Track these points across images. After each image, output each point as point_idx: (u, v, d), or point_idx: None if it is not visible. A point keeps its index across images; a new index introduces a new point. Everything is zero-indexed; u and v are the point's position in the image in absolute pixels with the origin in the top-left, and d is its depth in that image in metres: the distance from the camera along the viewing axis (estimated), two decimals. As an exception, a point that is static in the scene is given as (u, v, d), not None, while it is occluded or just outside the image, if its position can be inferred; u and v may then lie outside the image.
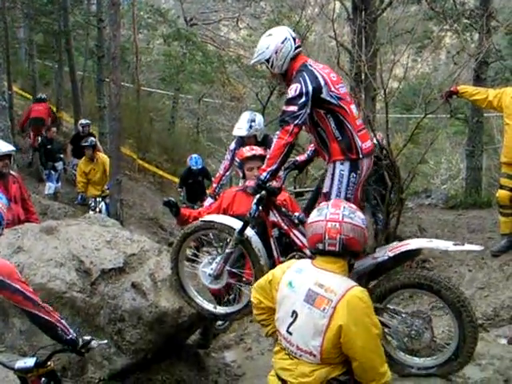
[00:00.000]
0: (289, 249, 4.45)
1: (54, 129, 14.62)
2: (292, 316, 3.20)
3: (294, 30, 4.66)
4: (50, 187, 13.33)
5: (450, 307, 4.02)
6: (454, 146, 19.18)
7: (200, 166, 12.37)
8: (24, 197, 6.85)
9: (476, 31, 13.07)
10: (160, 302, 4.87)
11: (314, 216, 3.39)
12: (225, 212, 5.17)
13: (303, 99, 4.05)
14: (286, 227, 4.43)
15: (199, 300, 4.85)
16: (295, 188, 9.97)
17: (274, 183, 4.27)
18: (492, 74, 15.20)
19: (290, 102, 4.10)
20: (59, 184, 13.77)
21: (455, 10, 12.57)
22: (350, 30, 9.32)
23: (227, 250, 4.44)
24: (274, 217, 4.46)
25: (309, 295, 3.16)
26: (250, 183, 4.39)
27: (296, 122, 4.05)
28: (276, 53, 4.28)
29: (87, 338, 3.70)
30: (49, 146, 13.57)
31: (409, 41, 9.36)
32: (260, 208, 4.32)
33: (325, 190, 4.27)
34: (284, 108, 4.15)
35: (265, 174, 4.17)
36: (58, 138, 15.12)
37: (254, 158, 5.21)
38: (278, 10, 17.57)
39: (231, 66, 21.03)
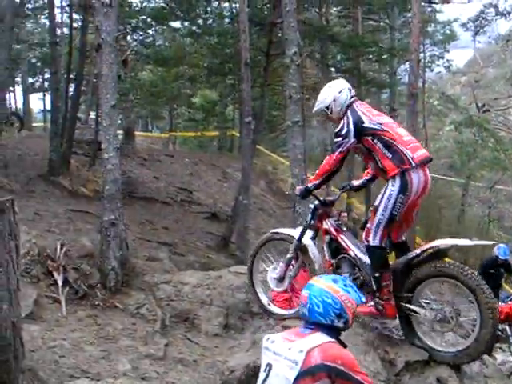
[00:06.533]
0: (337, 252, 5.14)
1: (345, 214, 15.04)
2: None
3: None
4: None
5: (479, 308, 4.34)
6: None
7: (508, 257, 11.76)
8: None
9: None
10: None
11: None
12: None
13: (345, 130, 4.78)
14: (335, 233, 5.17)
15: (258, 291, 5.70)
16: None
17: (329, 197, 5.37)
18: None
19: (336, 134, 4.90)
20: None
21: None
22: None
23: (288, 255, 5.29)
24: (326, 225, 5.24)
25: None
26: (299, 188, 5.33)
27: (340, 150, 4.82)
28: (334, 101, 4.99)
29: None
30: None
31: None
32: (315, 217, 5.22)
33: (376, 202, 4.80)
34: (334, 139, 4.93)
35: (310, 184, 5.10)
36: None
37: None
38: None
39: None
